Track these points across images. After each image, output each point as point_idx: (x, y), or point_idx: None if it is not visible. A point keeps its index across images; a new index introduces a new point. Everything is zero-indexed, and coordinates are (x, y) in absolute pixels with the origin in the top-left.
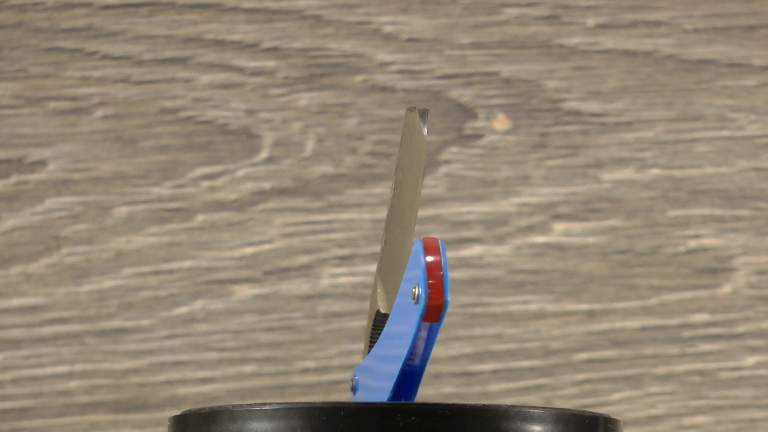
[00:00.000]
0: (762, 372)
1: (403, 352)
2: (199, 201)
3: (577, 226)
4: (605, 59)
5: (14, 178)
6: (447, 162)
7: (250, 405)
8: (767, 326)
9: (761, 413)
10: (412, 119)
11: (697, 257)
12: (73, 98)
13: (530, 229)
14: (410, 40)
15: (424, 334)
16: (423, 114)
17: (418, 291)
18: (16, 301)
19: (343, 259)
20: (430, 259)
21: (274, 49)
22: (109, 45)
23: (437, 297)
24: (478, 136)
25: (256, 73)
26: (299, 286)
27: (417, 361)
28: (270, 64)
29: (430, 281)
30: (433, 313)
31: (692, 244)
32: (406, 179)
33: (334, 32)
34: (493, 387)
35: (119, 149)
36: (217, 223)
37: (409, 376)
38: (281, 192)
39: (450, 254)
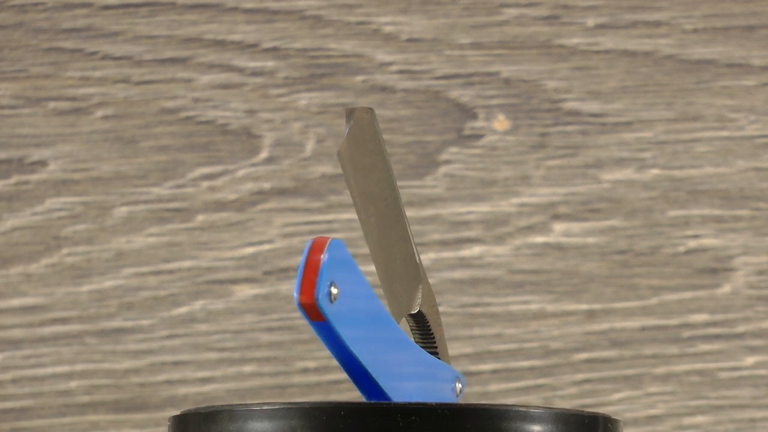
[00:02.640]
0: (762, 372)
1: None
2: (199, 201)
3: (576, 226)
4: (605, 59)
5: (14, 178)
6: (447, 162)
7: (250, 405)
8: (767, 326)
9: (761, 413)
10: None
11: (697, 257)
12: (73, 98)
13: (530, 229)
14: (410, 40)
15: (332, 333)
16: (349, 113)
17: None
18: (16, 301)
19: None
20: (309, 258)
21: (274, 49)
22: (109, 45)
23: (305, 296)
24: (478, 136)
25: (256, 73)
26: None
27: (349, 361)
28: (270, 64)
29: (302, 279)
30: (308, 311)
31: (692, 244)
32: (375, 184)
33: (334, 32)
34: (493, 387)
35: (119, 149)
36: (217, 223)
37: (359, 375)
38: (281, 192)
39: (450, 254)
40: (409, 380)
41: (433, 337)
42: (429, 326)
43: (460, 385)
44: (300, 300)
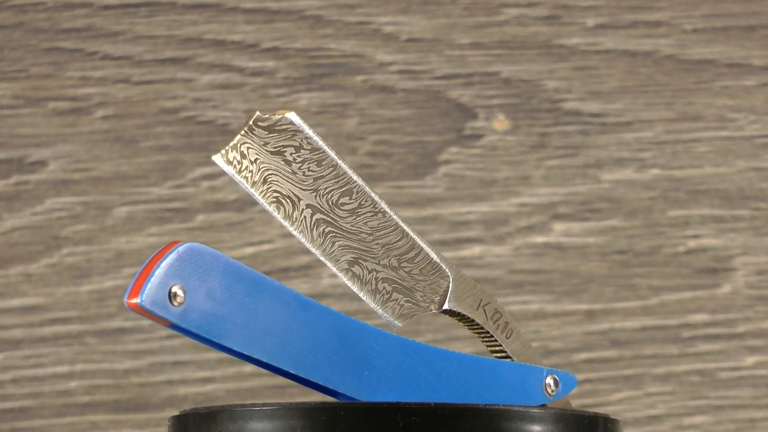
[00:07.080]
0: (762, 372)
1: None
2: (199, 201)
3: (576, 226)
4: (605, 59)
5: (14, 178)
6: (447, 162)
7: (250, 405)
8: (767, 326)
9: (761, 413)
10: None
11: (697, 257)
12: (73, 98)
13: (530, 229)
14: (410, 40)
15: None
16: (248, 118)
17: None
18: (16, 301)
19: None
20: (148, 261)
21: (274, 49)
22: (109, 45)
23: (129, 297)
24: (478, 136)
25: (256, 73)
26: (299, 286)
27: (253, 361)
28: (270, 64)
29: (133, 282)
30: (140, 313)
31: (692, 244)
32: (315, 188)
33: (334, 32)
34: None
35: (119, 149)
36: (217, 223)
37: (283, 374)
38: None
39: (450, 254)
40: (384, 376)
41: (493, 338)
42: (480, 326)
43: (551, 382)
44: (126, 301)
